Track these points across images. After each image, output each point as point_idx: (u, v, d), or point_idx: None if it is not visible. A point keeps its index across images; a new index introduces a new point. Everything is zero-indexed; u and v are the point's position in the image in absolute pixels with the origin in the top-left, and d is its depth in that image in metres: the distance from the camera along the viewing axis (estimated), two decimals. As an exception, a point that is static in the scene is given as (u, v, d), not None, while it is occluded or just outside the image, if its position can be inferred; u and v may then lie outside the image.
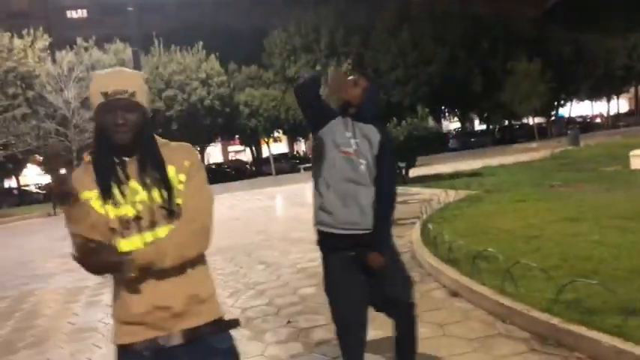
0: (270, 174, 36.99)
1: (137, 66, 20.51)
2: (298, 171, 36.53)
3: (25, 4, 52.59)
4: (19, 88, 30.65)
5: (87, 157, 1.86)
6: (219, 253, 8.51)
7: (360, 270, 2.79)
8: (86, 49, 33.08)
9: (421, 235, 7.33)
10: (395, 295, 2.85)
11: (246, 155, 50.84)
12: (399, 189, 13.80)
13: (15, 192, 37.58)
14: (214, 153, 56.82)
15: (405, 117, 18.63)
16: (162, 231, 1.78)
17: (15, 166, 33.68)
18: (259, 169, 41.36)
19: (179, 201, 1.82)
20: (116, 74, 1.80)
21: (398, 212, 9.57)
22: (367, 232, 2.76)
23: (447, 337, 4.12)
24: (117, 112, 1.75)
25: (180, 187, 1.83)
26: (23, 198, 36.02)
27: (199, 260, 1.87)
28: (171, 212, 1.80)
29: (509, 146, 36.75)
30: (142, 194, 1.79)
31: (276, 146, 48.83)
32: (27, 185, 40.51)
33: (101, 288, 7.18)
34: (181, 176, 1.84)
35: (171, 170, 1.83)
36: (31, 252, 12.34)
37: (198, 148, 43.29)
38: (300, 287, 6.08)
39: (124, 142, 1.77)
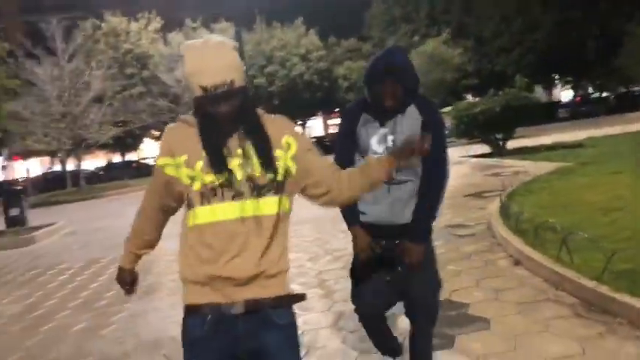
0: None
1: (241, 45, 21.50)
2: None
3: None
4: (135, 69, 33.12)
5: (189, 119, 1.87)
6: (306, 222, 9.09)
7: (389, 262, 2.58)
8: (194, 29, 34.95)
9: (500, 207, 7.44)
10: (422, 297, 2.61)
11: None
12: (493, 161, 13.91)
13: (134, 165, 40.83)
14: (315, 126, 58.01)
15: (510, 87, 18.20)
16: (252, 203, 1.79)
17: (133, 141, 36.56)
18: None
19: (271, 177, 1.82)
20: (211, 60, 1.75)
21: (486, 184, 9.76)
22: (405, 223, 2.55)
23: (498, 301, 4.38)
24: (220, 103, 1.75)
25: (279, 162, 1.83)
26: (141, 170, 39.06)
27: (281, 236, 1.87)
28: (259, 186, 1.80)
29: (625, 115, 34.31)
30: (234, 163, 1.79)
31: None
32: (144, 158, 43.77)
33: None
34: (277, 152, 1.84)
35: (279, 141, 1.85)
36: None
37: (300, 122, 44.55)
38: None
39: (226, 119, 1.78)
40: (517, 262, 5.30)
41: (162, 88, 31.47)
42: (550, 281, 4.55)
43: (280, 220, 1.85)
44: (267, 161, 1.80)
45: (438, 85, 28.06)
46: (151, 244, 2.10)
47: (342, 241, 7.49)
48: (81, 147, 27.54)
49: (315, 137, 46.02)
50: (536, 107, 18.88)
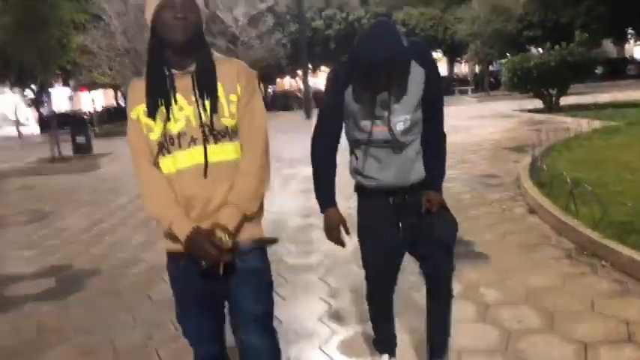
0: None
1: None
2: (453, 93, 36.06)
3: None
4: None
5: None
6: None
7: (402, 214, 2.46)
8: (255, -32, 34.91)
9: (531, 161, 7.71)
10: (445, 236, 2.42)
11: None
12: (542, 116, 14.05)
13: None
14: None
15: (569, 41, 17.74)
16: (210, 149, 1.80)
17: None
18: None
19: (229, 122, 1.82)
20: None
21: (528, 139, 10.02)
22: (412, 184, 2.43)
23: (504, 242, 4.84)
24: (176, 6, 1.73)
25: (232, 108, 1.83)
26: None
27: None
28: (214, 132, 1.81)
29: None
30: (188, 110, 1.80)
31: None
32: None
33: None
34: (232, 96, 1.83)
35: (219, 88, 1.81)
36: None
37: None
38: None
39: (181, 39, 1.74)
40: (531, 211, 5.69)
41: (221, 27, 31.94)
42: (555, 228, 4.95)
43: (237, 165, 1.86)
44: (214, 106, 1.79)
45: (497, 35, 27.34)
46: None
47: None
48: (142, 81, 28.53)
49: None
50: (594, 63, 18.40)
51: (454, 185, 7.32)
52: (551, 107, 17.31)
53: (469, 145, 11.34)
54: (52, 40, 12.92)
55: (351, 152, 2.50)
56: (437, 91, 2.38)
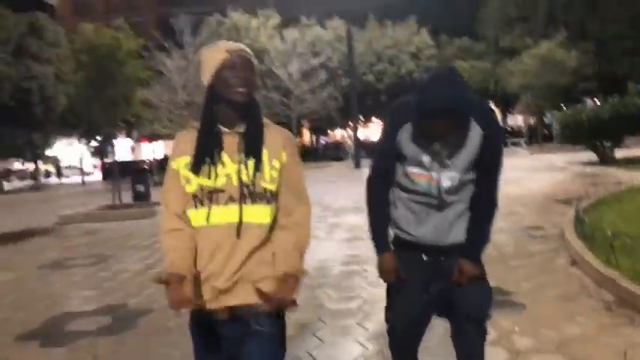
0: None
1: (350, 44, 22.44)
2: (506, 145, 35.79)
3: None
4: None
5: (196, 124, 1.92)
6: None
7: (435, 276, 2.35)
8: (308, 26, 36.39)
9: (575, 214, 7.67)
10: (475, 309, 2.32)
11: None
12: (595, 169, 13.97)
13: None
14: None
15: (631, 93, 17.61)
16: (246, 210, 1.83)
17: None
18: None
19: (269, 186, 1.86)
20: (232, 42, 1.89)
21: (578, 191, 9.95)
22: (450, 244, 2.33)
23: (542, 292, 4.87)
24: (237, 67, 1.80)
25: (274, 173, 1.87)
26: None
27: (269, 244, 1.91)
28: (253, 193, 1.84)
29: None
30: (231, 168, 1.84)
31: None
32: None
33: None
34: (275, 162, 1.87)
35: (264, 154, 1.86)
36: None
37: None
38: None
39: (241, 99, 1.81)
40: (573, 262, 5.70)
41: (276, 82, 33.20)
42: (595, 280, 4.95)
43: (269, 228, 1.89)
44: (257, 168, 1.83)
45: (549, 88, 27.23)
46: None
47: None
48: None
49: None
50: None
51: (499, 237, 7.36)
52: (605, 160, 17.02)
53: (518, 197, 11.31)
54: (119, 95, 13.91)
55: (394, 201, 2.43)
56: (493, 157, 2.26)
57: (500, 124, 2.34)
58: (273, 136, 1.89)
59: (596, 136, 17.04)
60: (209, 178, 1.83)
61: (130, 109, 15.05)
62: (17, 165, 71.41)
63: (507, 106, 41.56)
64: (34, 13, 30.00)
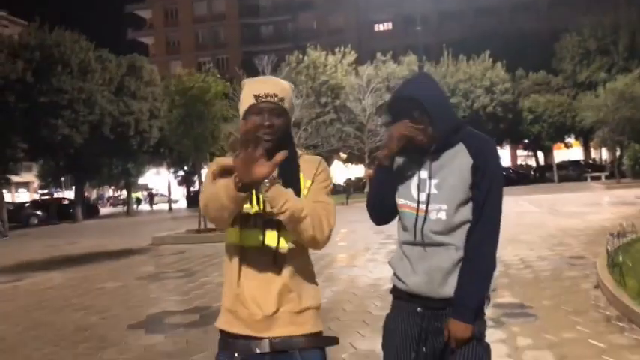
0: (554, 181, 36.53)
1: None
2: (585, 180, 35.17)
3: (342, 22, 60.93)
4: (329, 98, 36.86)
5: (223, 160, 1.81)
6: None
7: (430, 332, 2.08)
8: (384, 62, 37.75)
9: (607, 242, 8.16)
10: None
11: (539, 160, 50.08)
12: None
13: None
14: (503, 157, 57.42)
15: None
16: (278, 235, 1.80)
17: (323, 162, 40.38)
18: (543, 175, 40.82)
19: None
20: (268, 80, 1.85)
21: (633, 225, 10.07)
22: (448, 297, 2.05)
23: (557, 308, 5.65)
24: (264, 114, 1.78)
25: (305, 192, 1.85)
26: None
27: (308, 270, 1.90)
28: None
29: None
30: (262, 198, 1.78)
31: (570, 152, 47.21)
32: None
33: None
34: (307, 182, 1.87)
35: (301, 179, 1.86)
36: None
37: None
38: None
39: (266, 146, 1.71)
40: (596, 286, 6.39)
41: (350, 116, 34.65)
42: (608, 299, 5.68)
43: (304, 253, 1.88)
44: (295, 188, 1.79)
45: (625, 122, 26.87)
46: None
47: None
48: (278, 165, 31.70)
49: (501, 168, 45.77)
50: None
51: (540, 263, 8.11)
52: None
53: (575, 230, 11.79)
54: (207, 132, 15.66)
55: (397, 246, 2.23)
56: (488, 196, 2.01)
57: (499, 158, 2.08)
58: (309, 163, 1.90)
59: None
60: (249, 203, 1.81)
61: (216, 143, 16.74)
62: (109, 192, 77.12)
63: (586, 141, 40.80)
64: (132, 56, 33.22)
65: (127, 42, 65.14)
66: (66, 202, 37.11)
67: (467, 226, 2.04)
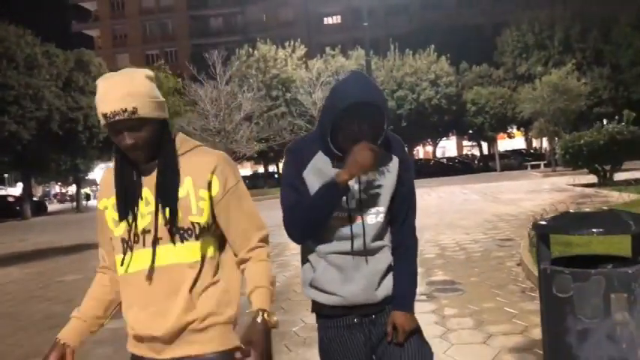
0: (496, 170, 38.22)
1: (369, 72, 24.33)
2: (525, 168, 36.95)
3: (291, 14, 61.31)
4: (280, 92, 37.34)
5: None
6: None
7: (373, 339, 2.02)
8: (333, 56, 38.50)
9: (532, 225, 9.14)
10: None
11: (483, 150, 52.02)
12: (592, 190, 15.49)
13: (275, 176, 45.30)
14: (449, 147, 59.33)
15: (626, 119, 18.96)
16: (169, 249, 1.64)
17: (275, 155, 40.84)
18: (486, 164, 42.57)
19: (195, 219, 1.65)
20: (113, 90, 1.59)
21: (563, 210, 11.09)
22: (382, 300, 2.01)
23: (482, 283, 6.45)
24: (123, 133, 1.59)
25: (201, 204, 1.67)
26: (279, 180, 43.19)
27: (212, 284, 1.71)
28: (176, 230, 1.64)
29: None
30: (152, 207, 1.65)
31: (513, 142, 49.35)
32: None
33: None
34: (202, 192, 1.67)
35: (187, 182, 1.67)
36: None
37: (430, 141, 46.29)
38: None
39: (140, 161, 1.64)
40: (519, 264, 7.24)
41: (301, 109, 35.24)
42: (526, 274, 6.52)
43: (206, 266, 1.70)
44: (171, 204, 1.64)
45: (560, 113, 28.60)
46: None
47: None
48: (231, 158, 32.09)
49: (445, 158, 47.88)
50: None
51: (473, 245, 8.95)
52: (605, 182, 18.28)
53: (509, 215, 12.79)
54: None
55: (304, 260, 2.08)
56: (411, 187, 2.03)
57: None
58: (201, 162, 1.70)
59: (594, 161, 18.35)
60: (134, 219, 1.67)
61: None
62: (56, 188, 75.26)
63: (527, 131, 42.81)
64: (80, 50, 32.76)
65: (71, 34, 63.54)
66: (11, 199, 36.32)
67: (388, 223, 2.03)
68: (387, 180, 1.98)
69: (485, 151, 47.67)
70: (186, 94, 28.75)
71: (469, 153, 57.19)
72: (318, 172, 1.95)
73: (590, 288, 2.58)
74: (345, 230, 1.95)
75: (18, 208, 32.87)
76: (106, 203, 1.74)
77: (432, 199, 19.70)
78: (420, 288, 6.13)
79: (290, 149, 2.02)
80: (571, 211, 3.20)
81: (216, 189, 1.71)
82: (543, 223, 2.86)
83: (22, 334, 6.01)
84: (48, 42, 30.21)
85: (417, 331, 2.03)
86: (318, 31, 58.86)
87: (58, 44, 31.70)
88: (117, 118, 1.58)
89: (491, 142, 44.17)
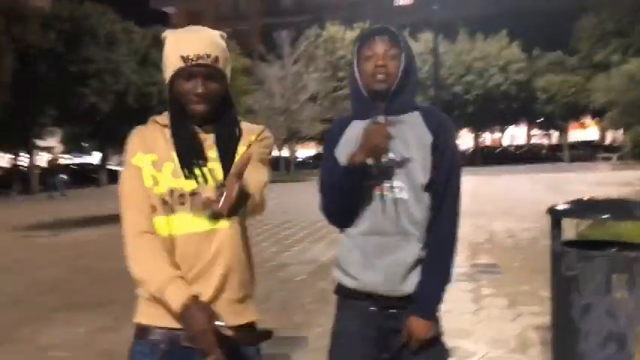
0: (564, 160, 37.19)
1: (437, 52, 24.26)
2: (595, 159, 35.76)
3: (361, -6, 60.88)
4: (345, 72, 37.54)
5: (161, 120, 1.67)
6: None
7: (389, 336, 1.89)
8: (401, 38, 38.21)
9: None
10: None
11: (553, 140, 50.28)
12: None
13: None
14: (518, 135, 57.72)
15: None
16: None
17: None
18: (555, 154, 41.37)
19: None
20: (197, 35, 1.58)
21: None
22: (408, 294, 1.87)
23: (522, 267, 6.68)
24: (198, 79, 1.55)
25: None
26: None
27: (249, 254, 1.68)
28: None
29: None
30: (205, 169, 1.59)
31: (587, 133, 47.56)
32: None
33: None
34: (242, 148, 1.64)
35: (241, 150, 1.62)
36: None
37: (498, 127, 45.32)
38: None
39: (200, 113, 1.58)
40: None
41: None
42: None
43: (246, 234, 1.68)
44: (226, 165, 1.58)
45: (632, 105, 27.36)
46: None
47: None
48: (295, 138, 32.84)
49: (513, 146, 46.69)
50: None
51: (524, 233, 9.14)
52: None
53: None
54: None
55: (342, 239, 1.99)
56: (449, 175, 1.87)
57: (456, 139, 1.97)
58: (249, 128, 1.71)
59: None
60: (180, 177, 1.60)
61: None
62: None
63: (600, 122, 41.17)
64: (157, 27, 34.16)
65: (149, 10, 65.92)
66: (89, 168, 38.64)
67: (426, 214, 1.87)
68: (419, 156, 1.85)
69: (557, 141, 46.25)
70: (254, 73, 29.65)
71: (539, 142, 55.51)
72: (351, 143, 1.88)
73: (594, 268, 2.91)
74: (371, 207, 1.86)
75: (95, 175, 34.99)
76: (144, 160, 1.63)
77: (494, 187, 19.64)
78: (462, 269, 6.48)
79: (327, 130, 2.02)
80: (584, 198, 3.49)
81: (251, 143, 1.70)
82: (556, 208, 3.18)
83: (96, 286, 6.80)
84: (127, 18, 31.74)
85: (434, 340, 1.86)
86: (389, 12, 58.31)
87: (136, 20, 33.18)
88: (200, 61, 1.56)
89: (563, 131, 42.81)
